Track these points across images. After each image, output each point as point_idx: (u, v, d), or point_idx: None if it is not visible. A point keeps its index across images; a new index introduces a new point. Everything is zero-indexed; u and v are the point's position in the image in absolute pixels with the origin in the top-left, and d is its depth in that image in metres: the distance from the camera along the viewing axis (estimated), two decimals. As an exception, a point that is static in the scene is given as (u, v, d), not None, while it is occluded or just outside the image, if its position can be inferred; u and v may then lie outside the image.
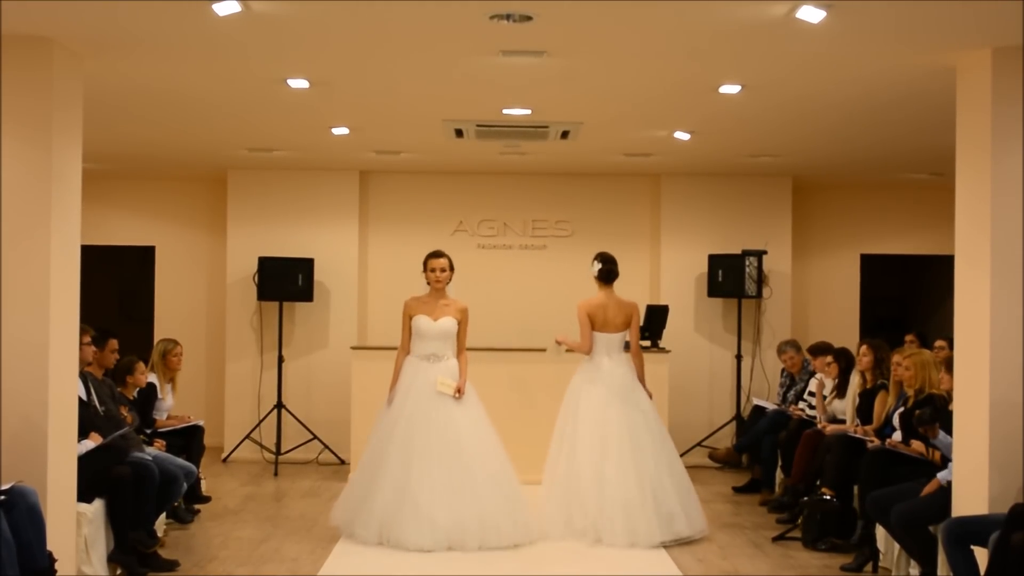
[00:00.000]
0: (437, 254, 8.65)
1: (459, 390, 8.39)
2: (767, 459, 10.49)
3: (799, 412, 10.29)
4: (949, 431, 7.14)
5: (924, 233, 13.25)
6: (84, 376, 7.74)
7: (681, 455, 11.71)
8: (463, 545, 8.05)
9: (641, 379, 8.97)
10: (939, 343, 9.96)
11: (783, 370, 11.25)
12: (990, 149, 6.56)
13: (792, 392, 10.95)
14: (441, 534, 8.02)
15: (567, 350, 8.95)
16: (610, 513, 8.33)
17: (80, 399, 7.24)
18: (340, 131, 10.09)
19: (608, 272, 9.05)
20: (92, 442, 7.36)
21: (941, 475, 7.09)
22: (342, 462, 11.98)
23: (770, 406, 11.17)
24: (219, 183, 13.12)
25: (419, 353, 8.57)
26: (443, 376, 8.41)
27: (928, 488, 7.09)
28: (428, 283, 8.62)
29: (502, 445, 8.51)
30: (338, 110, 9.19)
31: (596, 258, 9.15)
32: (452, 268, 8.63)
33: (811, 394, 10.41)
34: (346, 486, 8.88)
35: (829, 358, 9.85)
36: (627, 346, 9.03)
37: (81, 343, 7.31)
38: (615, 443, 8.54)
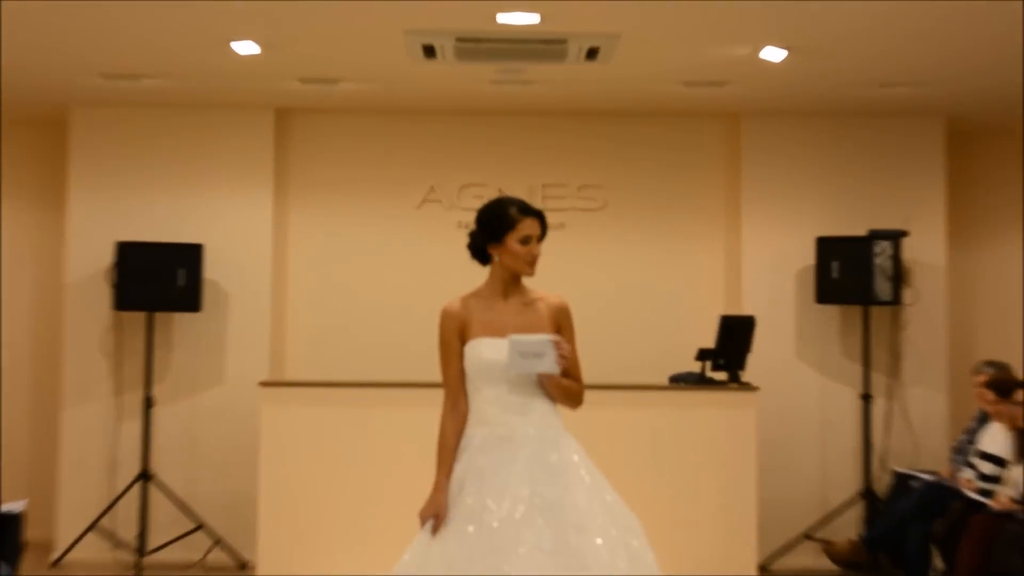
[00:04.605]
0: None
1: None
2: (915, 559, 7.86)
3: (969, 484, 7.50)
4: None
5: None
6: None
7: (783, 551, 9.01)
8: None
9: None
10: None
11: (980, 411, 7.99)
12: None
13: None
14: None
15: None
16: None
17: None
18: (246, 47, 7.54)
19: None
20: None
21: None
22: (243, 567, 8.02)
23: (921, 475, 8.06)
24: (56, 126, 8.92)
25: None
26: None
27: None
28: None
29: None
30: (243, 15, 6.90)
31: None
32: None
33: (985, 456, 7.40)
34: None
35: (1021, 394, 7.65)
36: None
37: None
38: None
